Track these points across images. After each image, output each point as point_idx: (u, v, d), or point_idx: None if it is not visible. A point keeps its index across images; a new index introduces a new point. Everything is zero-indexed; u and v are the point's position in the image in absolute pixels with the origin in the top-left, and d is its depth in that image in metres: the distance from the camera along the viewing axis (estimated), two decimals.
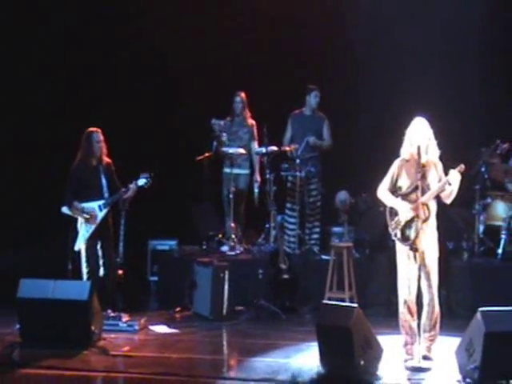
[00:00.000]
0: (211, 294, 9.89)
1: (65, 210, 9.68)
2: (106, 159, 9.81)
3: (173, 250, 11.50)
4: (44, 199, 11.25)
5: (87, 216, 9.58)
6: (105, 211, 9.67)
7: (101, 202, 9.66)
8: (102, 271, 9.62)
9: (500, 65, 11.72)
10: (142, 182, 9.71)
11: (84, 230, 9.65)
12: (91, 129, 9.73)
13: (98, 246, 9.68)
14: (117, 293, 9.80)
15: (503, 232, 10.49)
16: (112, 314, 9.32)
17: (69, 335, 8.41)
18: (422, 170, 7.57)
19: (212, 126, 11.18)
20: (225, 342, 9.34)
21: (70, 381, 7.49)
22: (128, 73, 12.33)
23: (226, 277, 10.00)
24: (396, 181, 7.79)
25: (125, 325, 9.25)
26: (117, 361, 8.25)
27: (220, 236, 11.41)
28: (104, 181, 9.70)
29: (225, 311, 9.92)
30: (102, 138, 9.71)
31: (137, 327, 9.25)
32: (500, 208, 10.88)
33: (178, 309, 10.21)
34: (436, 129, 7.87)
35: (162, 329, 9.39)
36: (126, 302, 9.77)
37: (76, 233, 9.72)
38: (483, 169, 10.83)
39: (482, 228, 10.83)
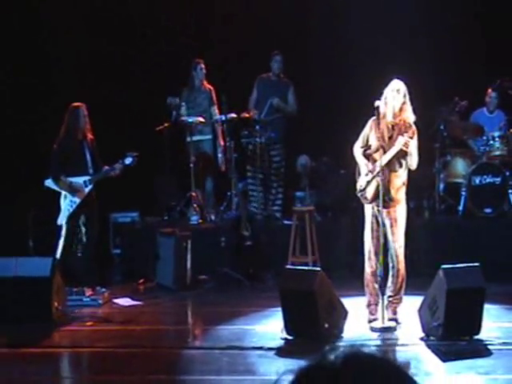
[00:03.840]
0: (174, 265, 9.85)
1: (49, 183, 9.55)
2: (90, 135, 9.70)
3: (135, 222, 11.43)
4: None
5: (74, 191, 9.48)
6: (90, 187, 9.57)
7: (86, 178, 9.55)
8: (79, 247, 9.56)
9: (456, 22, 11.68)
10: (128, 160, 9.61)
11: (67, 205, 9.52)
12: (76, 103, 9.62)
13: (80, 222, 9.58)
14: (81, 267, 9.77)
15: (463, 189, 10.52)
16: (75, 289, 9.25)
17: (32, 312, 8.34)
18: (388, 131, 7.53)
19: (168, 104, 11.06)
20: (189, 312, 9.32)
21: (35, 358, 7.42)
22: (85, 44, 12.15)
23: (189, 246, 9.96)
24: (367, 140, 7.74)
25: (88, 299, 9.18)
26: (81, 336, 8.21)
27: (182, 206, 11.35)
28: (89, 156, 9.60)
29: (188, 281, 9.88)
30: (86, 112, 9.60)
31: (100, 301, 9.20)
32: (460, 165, 10.92)
33: (141, 280, 10.17)
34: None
35: (125, 301, 9.34)
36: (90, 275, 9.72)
37: (58, 208, 9.60)
38: (442, 127, 10.84)
39: (442, 186, 10.87)
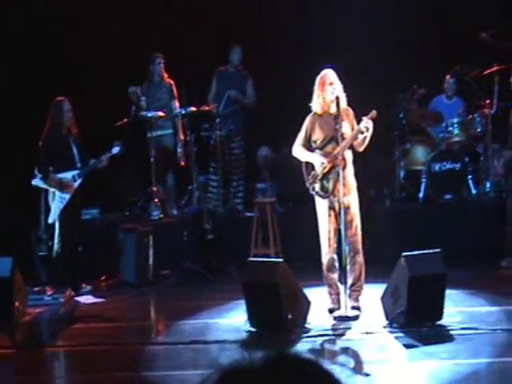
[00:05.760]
0: (136, 260, 9.79)
1: (37, 182, 9.36)
2: (75, 129, 9.55)
3: (96, 219, 11.30)
4: None
5: (64, 187, 9.35)
6: (79, 181, 9.43)
7: (75, 172, 9.41)
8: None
9: (413, 10, 11.69)
10: (116, 150, 9.54)
11: (58, 202, 9.34)
12: (60, 98, 9.46)
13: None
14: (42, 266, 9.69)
15: (423, 176, 10.56)
16: (36, 288, 9.16)
17: None
18: (334, 121, 7.57)
19: (129, 94, 11.00)
20: (152, 307, 9.29)
21: None
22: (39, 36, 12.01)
23: (151, 241, 9.90)
24: (310, 136, 7.76)
25: (49, 298, 9.11)
26: (43, 334, 8.14)
27: (143, 201, 11.28)
28: (75, 150, 9.45)
29: (150, 276, 9.81)
30: (70, 106, 9.45)
31: (62, 299, 9.10)
32: (419, 153, 10.96)
33: (103, 277, 10.07)
34: (351, 78, 7.87)
35: (87, 299, 9.24)
36: (50, 274, 9.62)
37: (47, 206, 9.47)
38: (401, 115, 10.87)
39: (402, 173, 10.90)
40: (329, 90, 7.63)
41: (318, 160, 7.67)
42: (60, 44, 11.88)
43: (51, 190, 9.37)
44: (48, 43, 11.90)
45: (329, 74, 7.71)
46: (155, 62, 11.35)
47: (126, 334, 7.94)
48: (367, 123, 7.50)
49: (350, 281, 7.66)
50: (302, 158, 7.80)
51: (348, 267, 7.63)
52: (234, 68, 11.45)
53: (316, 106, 7.73)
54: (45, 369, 7.46)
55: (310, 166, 7.76)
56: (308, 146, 7.76)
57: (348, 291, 7.63)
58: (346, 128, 7.65)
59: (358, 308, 7.69)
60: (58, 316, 8.67)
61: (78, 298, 9.24)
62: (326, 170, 7.63)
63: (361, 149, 7.69)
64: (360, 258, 7.69)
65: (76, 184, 9.42)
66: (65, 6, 12.02)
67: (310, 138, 7.76)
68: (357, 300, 7.73)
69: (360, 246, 7.69)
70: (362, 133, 7.52)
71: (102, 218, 11.22)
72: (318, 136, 7.73)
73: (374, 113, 7.59)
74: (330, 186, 7.63)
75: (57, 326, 8.30)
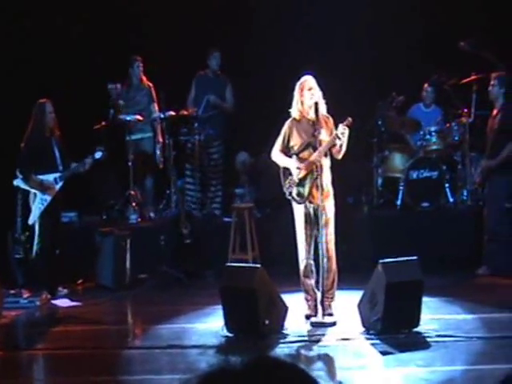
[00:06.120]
0: (113, 264, 9.77)
1: (19, 182, 9.34)
2: (57, 131, 9.53)
3: (73, 222, 11.26)
4: None
5: (45, 189, 9.30)
6: (60, 184, 9.40)
7: (57, 175, 9.39)
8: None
9: (393, 17, 11.73)
10: (98, 155, 9.50)
11: (39, 203, 9.31)
12: (43, 100, 9.44)
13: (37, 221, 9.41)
14: (18, 268, 9.65)
15: (401, 183, 10.62)
16: (12, 291, 9.11)
17: None
18: (311, 127, 7.61)
19: (109, 91, 10.98)
20: (129, 311, 9.25)
21: None
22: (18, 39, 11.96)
23: (128, 245, 9.87)
24: (288, 141, 7.79)
25: (26, 301, 9.08)
26: (19, 338, 8.08)
27: (120, 205, 11.24)
28: (57, 153, 9.44)
29: (128, 280, 9.77)
30: (52, 108, 9.43)
31: (38, 303, 9.06)
32: (397, 160, 11.01)
33: (80, 281, 10.04)
34: (330, 85, 7.90)
35: (64, 302, 9.20)
36: (27, 277, 9.58)
37: (28, 207, 9.43)
38: (380, 122, 10.92)
39: (380, 181, 10.95)
40: (307, 95, 7.68)
41: (293, 165, 7.71)
42: (40, 47, 11.84)
43: (32, 190, 9.35)
44: (28, 46, 11.86)
45: (308, 80, 7.76)
46: (134, 65, 11.36)
47: (103, 338, 7.90)
48: (343, 129, 7.53)
49: (323, 289, 7.63)
50: (281, 163, 7.84)
51: (322, 275, 7.63)
52: (213, 73, 11.46)
53: (295, 111, 7.77)
54: (21, 372, 7.40)
55: (287, 172, 7.80)
56: (286, 151, 7.80)
57: (322, 298, 7.64)
58: (325, 135, 7.69)
59: (331, 315, 7.70)
60: (35, 319, 8.63)
61: (54, 302, 9.20)
62: (302, 175, 7.67)
63: (339, 156, 7.72)
64: (333, 265, 7.71)
65: (57, 186, 9.39)
66: (45, 9, 11.97)
67: (288, 143, 7.79)
68: (329, 307, 7.73)
69: (334, 253, 7.71)
70: (340, 139, 7.54)
71: (80, 221, 11.18)
72: (295, 141, 7.77)
73: (349, 120, 7.63)
74: (306, 191, 7.66)
75: (33, 329, 8.26)
